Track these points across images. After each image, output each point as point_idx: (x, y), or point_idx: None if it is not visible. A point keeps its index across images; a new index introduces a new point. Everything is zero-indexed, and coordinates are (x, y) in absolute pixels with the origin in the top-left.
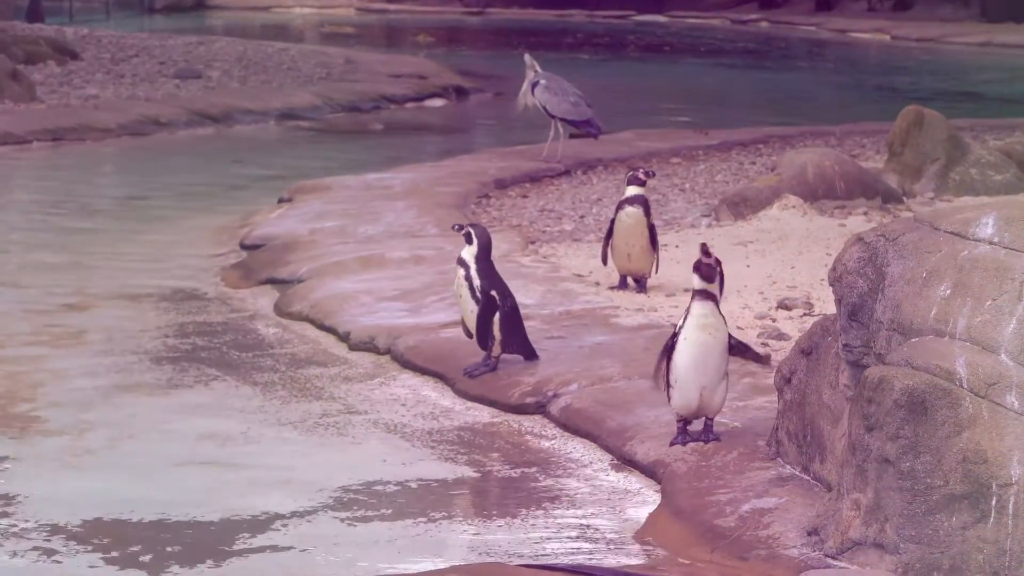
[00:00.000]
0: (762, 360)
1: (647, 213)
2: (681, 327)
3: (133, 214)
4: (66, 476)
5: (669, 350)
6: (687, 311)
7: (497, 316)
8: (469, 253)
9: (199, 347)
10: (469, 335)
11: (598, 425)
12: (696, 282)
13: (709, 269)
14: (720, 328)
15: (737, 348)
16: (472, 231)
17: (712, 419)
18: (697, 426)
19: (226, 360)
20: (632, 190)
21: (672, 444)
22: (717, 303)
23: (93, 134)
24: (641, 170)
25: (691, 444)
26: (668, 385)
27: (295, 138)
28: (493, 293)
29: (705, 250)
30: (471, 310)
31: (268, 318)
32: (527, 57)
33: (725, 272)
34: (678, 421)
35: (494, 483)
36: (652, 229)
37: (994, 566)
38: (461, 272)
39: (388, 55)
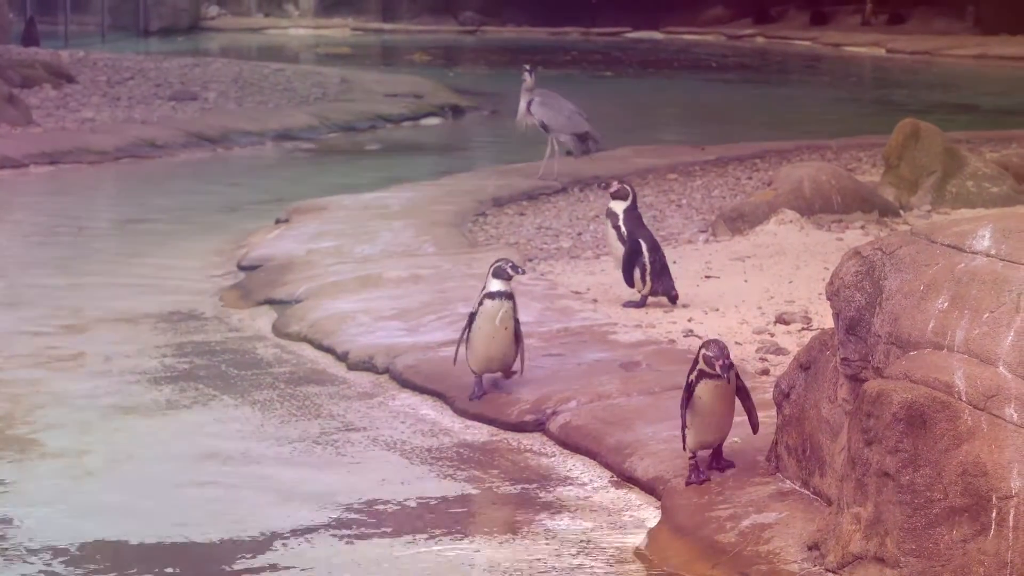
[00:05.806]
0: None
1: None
2: (693, 383)
3: (131, 236)
4: (65, 498)
5: (685, 403)
6: (693, 384)
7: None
8: (504, 285)
9: (198, 367)
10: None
11: (597, 442)
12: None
13: (724, 367)
14: (724, 396)
15: (742, 391)
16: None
17: (721, 446)
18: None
19: (225, 380)
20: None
21: (688, 484)
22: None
23: (90, 157)
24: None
25: (691, 461)
26: (684, 426)
27: (292, 158)
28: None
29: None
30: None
31: (266, 338)
32: (524, 75)
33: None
34: (691, 459)
35: (494, 501)
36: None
37: None
38: (508, 304)
39: (384, 74)
